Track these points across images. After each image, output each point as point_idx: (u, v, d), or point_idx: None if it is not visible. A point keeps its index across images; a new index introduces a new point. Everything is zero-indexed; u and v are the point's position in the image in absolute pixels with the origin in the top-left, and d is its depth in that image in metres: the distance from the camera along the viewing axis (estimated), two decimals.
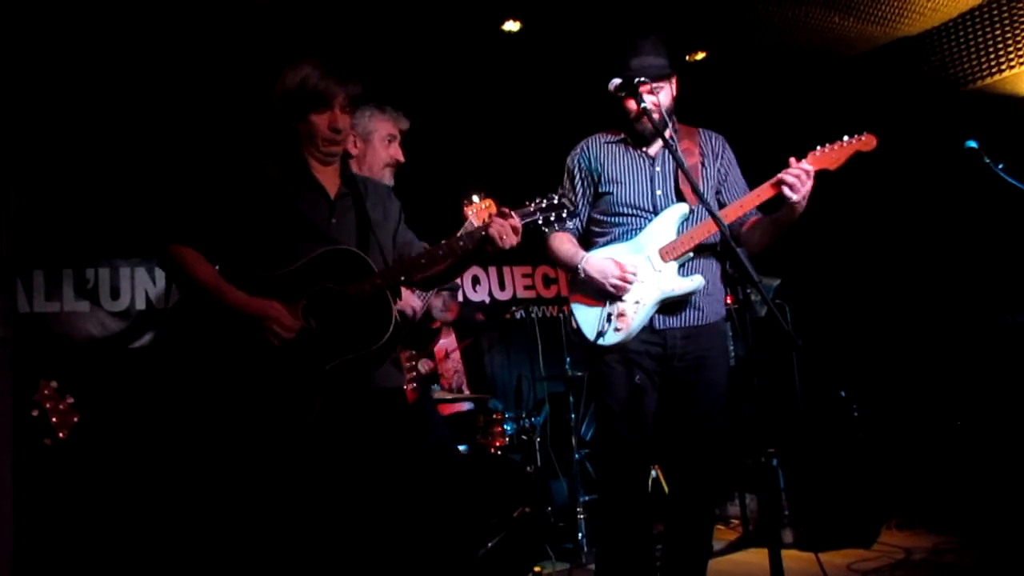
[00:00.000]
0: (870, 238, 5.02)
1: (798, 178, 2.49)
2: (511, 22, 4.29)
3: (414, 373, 2.97)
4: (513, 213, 2.19)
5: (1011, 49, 4.17)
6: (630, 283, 2.61)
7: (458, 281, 5.01)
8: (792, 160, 2.57)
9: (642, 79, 2.57)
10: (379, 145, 2.81)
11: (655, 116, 2.58)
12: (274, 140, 2.36)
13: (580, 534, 3.97)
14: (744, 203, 2.60)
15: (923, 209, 4.73)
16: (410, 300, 2.72)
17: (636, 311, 2.63)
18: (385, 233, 2.33)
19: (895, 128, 4.82)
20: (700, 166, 2.76)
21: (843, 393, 4.39)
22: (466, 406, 4.47)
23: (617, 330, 2.63)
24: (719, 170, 2.79)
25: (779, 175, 2.53)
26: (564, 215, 2.22)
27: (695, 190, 2.47)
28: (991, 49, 4.22)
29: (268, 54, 4.02)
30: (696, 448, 2.65)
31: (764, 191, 2.56)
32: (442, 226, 3.07)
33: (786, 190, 2.50)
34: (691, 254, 2.64)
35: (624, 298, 2.64)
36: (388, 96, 2.91)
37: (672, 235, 2.67)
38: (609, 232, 2.74)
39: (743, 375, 4.23)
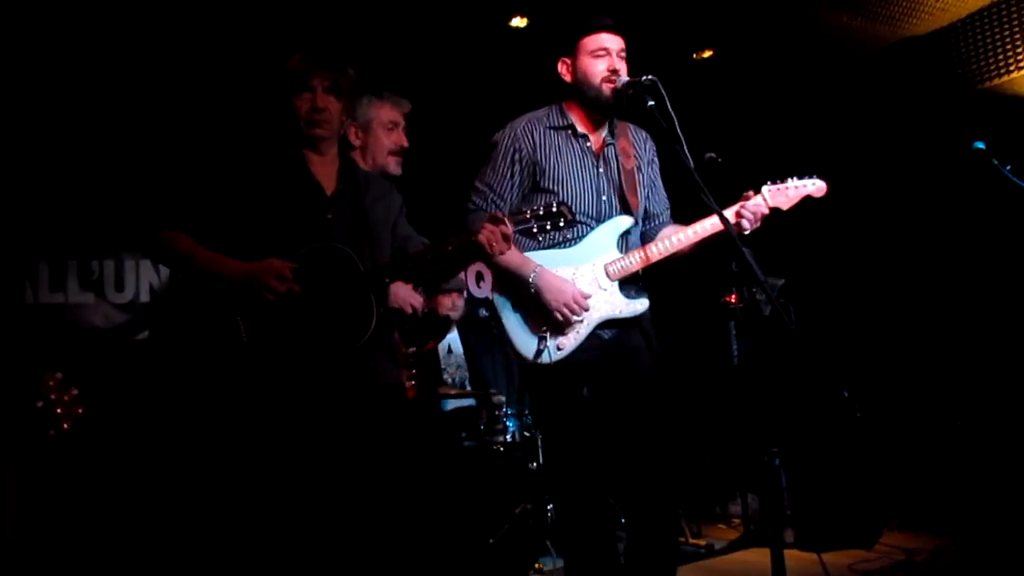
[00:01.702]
0: (875, 239, 5.00)
1: (757, 215, 2.52)
2: (518, 18, 4.28)
3: (414, 371, 2.93)
4: (506, 219, 2.10)
5: (1020, 50, 4.14)
6: (582, 313, 2.45)
7: (463, 277, 4.98)
8: (750, 193, 2.55)
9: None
10: (381, 132, 2.76)
11: (630, 94, 2.48)
12: (274, 133, 2.36)
13: None
14: (703, 229, 2.54)
15: (930, 210, 4.71)
16: (410, 297, 2.68)
17: (579, 331, 2.48)
18: (383, 230, 2.31)
19: (903, 128, 4.81)
20: (637, 171, 2.65)
21: (846, 393, 4.38)
22: (469, 402, 4.46)
23: (559, 349, 2.47)
24: (648, 174, 2.69)
25: (739, 207, 2.53)
26: (561, 223, 2.09)
27: (706, 196, 2.42)
28: (1000, 49, 4.20)
29: (272, 50, 4.02)
30: (645, 437, 2.50)
31: (715, 224, 2.50)
32: (444, 223, 3.07)
33: (744, 223, 2.51)
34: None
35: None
36: (394, 92, 2.90)
37: (613, 248, 2.55)
38: (537, 239, 2.50)
39: (747, 374, 4.23)
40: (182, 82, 4.26)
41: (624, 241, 2.59)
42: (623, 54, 2.56)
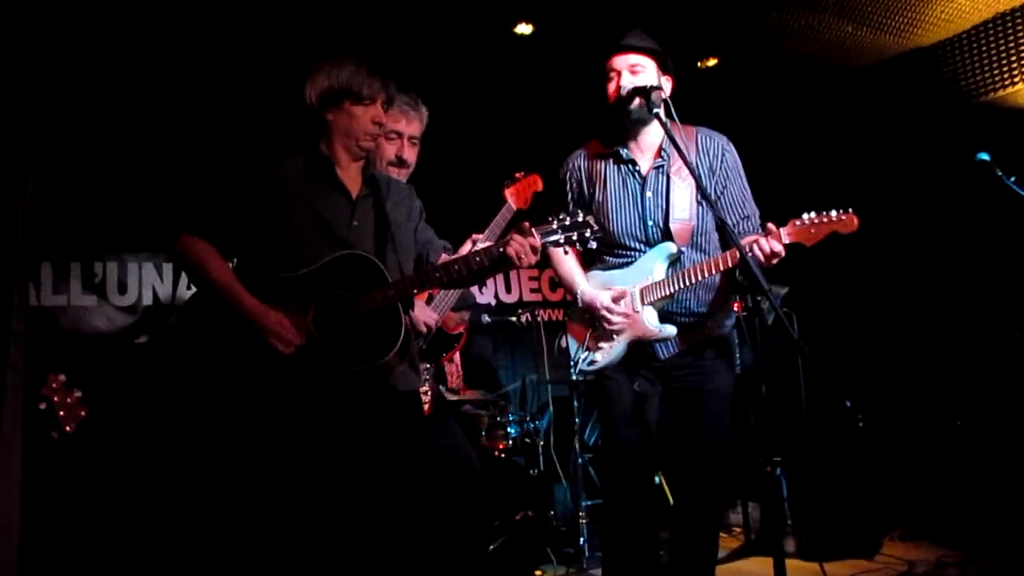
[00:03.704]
0: (879, 248, 5.00)
1: (766, 253, 2.42)
2: (523, 25, 4.29)
3: (428, 387, 2.89)
4: (534, 231, 2.13)
5: None
6: (615, 317, 2.56)
7: (474, 291, 4.98)
8: (771, 226, 2.45)
9: (626, 44, 2.51)
10: (383, 140, 2.70)
11: (637, 103, 2.48)
12: (291, 135, 2.36)
13: (582, 538, 3.96)
14: (712, 266, 2.48)
15: (933, 221, 4.71)
16: (422, 315, 2.65)
17: (611, 347, 2.61)
18: (405, 234, 2.32)
19: (906, 139, 4.82)
20: (695, 189, 2.62)
21: (848, 403, 4.37)
22: (470, 408, 4.46)
23: (591, 363, 2.63)
24: (716, 185, 2.63)
25: (750, 242, 2.45)
26: (588, 234, 2.14)
27: (710, 203, 2.43)
28: (1004, 61, 4.20)
29: (278, 52, 4.04)
30: (699, 458, 2.59)
31: (734, 256, 2.44)
32: (450, 226, 3.06)
33: (756, 252, 2.44)
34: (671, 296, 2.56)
35: (606, 332, 2.61)
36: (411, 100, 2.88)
37: (660, 274, 2.57)
38: (604, 260, 2.68)
39: (749, 383, 4.22)
40: (190, 83, 4.27)
41: (675, 266, 2.59)
42: (638, 68, 2.56)
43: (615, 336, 2.60)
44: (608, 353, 2.62)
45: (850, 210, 2.45)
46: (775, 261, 2.44)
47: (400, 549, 2.16)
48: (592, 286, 2.67)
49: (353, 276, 2.11)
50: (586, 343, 2.64)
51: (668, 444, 2.66)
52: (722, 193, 2.63)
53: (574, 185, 2.71)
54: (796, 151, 5.28)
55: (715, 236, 2.66)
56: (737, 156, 2.69)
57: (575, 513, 4.03)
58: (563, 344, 2.76)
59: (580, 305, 2.66)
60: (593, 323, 2.65)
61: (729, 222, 2.61)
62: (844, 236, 2.52)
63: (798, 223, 2.45)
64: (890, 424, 4.52)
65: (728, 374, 2.67)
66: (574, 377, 2.63)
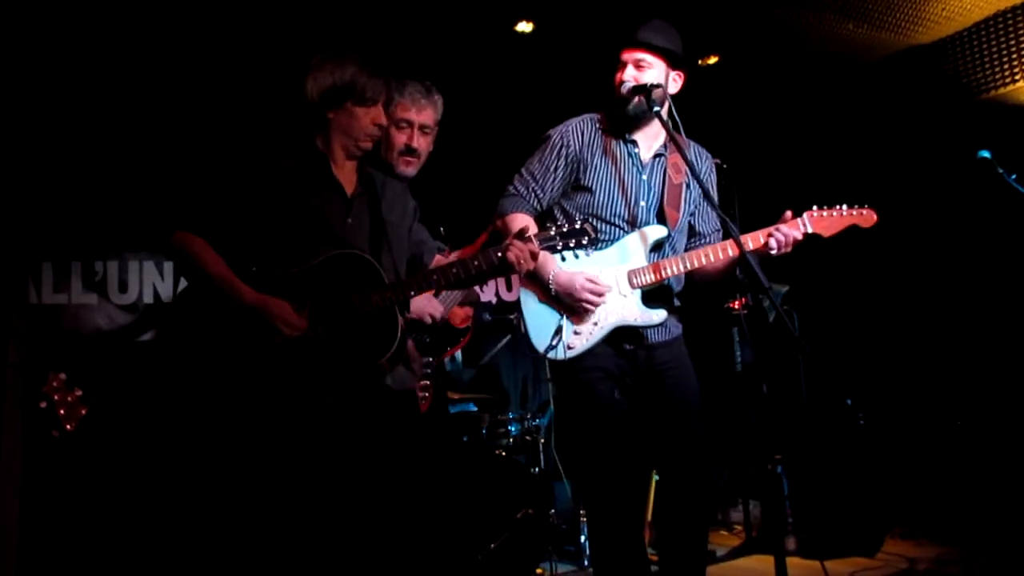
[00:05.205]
0: (880, 246, 5.00)
1: (787, 240, 2.47)
2: (524, 23, 4.29)
3: (429, 383, 2.87)
4: (533, 237, 2.14)
5: None
6: (600, 303, 2.48)
7: (478, 290, 4.97)
8: (788, 214, 2.51)
9: (635, 40, 2.52)
10: (393, 129, 2.70)
11: (636, 101, 2.50)
12: (287, 133, 2.35)
13: (583, 536, 3.96)
14: (720, 250, 2.51)
15: (934, 218, 4.71)
16: (428, 307, 2.63)
17: (592, 332, 2.51)
18: (400, 234, 2.32)
19: (907, 136, 4.81)
20: (684, 187, 2.66)
21: (849, 401, 4.37)
22: (471, 406, 4.45)
23: (569, 348, 2.50)
24: (698, 193, 2.69)
25: (772, 229, 2.49)
26: (585, 240, 2.14)
27: (710, 200, 2.43)
28: (1005, 59, 4.20)
29: (279, 50, 4.03)
30: (683, 455, 2.54)
31: (755, 240, 2.50)
32: (451, 224, 3.06)
33: (772, 243, 2.47)
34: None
35: (584, 317, 2.51)
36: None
37: (643, 258, 2.54)
38: (566, 254, 2.52)
39: (750, 381, 4.22)
40: (191, 82, 4.27)
41: (657, 252, 2.59)
42: (643, 64, 2.57)
43: (597, 322, 2.50)
44: (588, 339, 2.51)
45: (866, 206, 2.57)
46: (789, 249, 2.48)
47: (394, 547, 2.15)
48: (567, 268, 2.53)
49: (349, 276, 2.10)
50: (559, 329, 2.49)
51: (652, 442, 2.56)
52: (702, 203, 2.71)
53: (570, 147, 2.60)
54: (796, 149, 5.28)
55: (684, 240, 2.70)
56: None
57: (576, 511, 4.03)
58: (523, 330, 2.56)
59: (553, 290, 2.50)
60: (569, 307, 2.51)
61: (704, 230, 2.71)
62: (847, 233, 2.58)
63: (815, 214, 2.52)
64: (891, 422, 4.52)
65: (692, 369, 2.65)
66: (552, 357, 2.44)
